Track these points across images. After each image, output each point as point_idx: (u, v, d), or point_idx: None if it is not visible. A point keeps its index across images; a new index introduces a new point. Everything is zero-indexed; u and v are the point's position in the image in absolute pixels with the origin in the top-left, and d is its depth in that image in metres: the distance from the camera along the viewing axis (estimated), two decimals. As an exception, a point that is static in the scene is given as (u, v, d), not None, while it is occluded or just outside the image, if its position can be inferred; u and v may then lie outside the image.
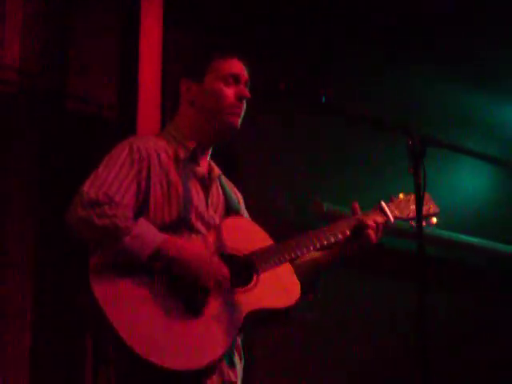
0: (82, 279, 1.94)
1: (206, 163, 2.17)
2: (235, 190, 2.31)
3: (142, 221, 1.92)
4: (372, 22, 3.96)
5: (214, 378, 1.99)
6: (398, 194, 2.37)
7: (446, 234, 4.12)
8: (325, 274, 2.31)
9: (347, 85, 3.74)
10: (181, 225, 2.04)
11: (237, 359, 2.09)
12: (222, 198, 2.20)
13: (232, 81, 2.11)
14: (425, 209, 2.28)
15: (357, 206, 2.27)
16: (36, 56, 2.99)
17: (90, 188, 1.91)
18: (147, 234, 1.91)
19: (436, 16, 4.15)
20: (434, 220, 2.41)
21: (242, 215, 2.25)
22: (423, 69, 4.22)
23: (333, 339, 4.13)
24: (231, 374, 2.04)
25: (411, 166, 1.99)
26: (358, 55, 4.03)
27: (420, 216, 2.00)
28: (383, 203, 2.30)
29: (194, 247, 2.01)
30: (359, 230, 2.19)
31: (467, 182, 4.17)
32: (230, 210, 2.20)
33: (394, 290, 3.76)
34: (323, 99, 2.07)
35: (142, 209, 2.00)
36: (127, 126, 2.85)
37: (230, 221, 2.18)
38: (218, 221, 2.14)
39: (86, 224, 1.87)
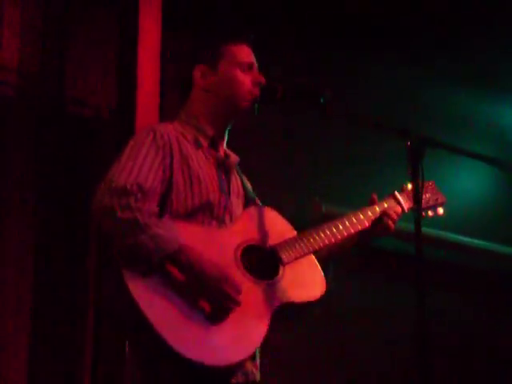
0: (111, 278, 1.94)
1: (223, 150, 2.16)
2: (243, 176, 2.28)
3: (165, 221, 1.89)
4: (371, 22, 3.98)
5: (239, 375, 1.98)
6: (407, 184, 2.33)
7: (445, 234, 4.13)
8: (334, 264, 2.28)
9: (346, 85, 3.75)
10: (203, 212, 2.01)
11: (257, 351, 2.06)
12: (240, 184, 2.18)
13: (247, 67, 2.12)
14: (433, 198, 2.36)
15: (375, 197, 2.25)
16: (35, 58, 2.97)
17: (118, 177, 1.86)
18: (165, 237, 1.86)
19: (436, 16, 4.15)
20: (441, 211, 2.40)
21: (262, 205, 2.21)
22: (423, 69, 4.22)
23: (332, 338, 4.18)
24: (254, 370, 2.03)
25: (409, 167, 1.96)
26: (356, 55, 4.04)
27: (420, 208, 1.94)
28: (397, 193, 2.30)
29: (209, 260, 1.93)
30: (381, 219, 2.20)
31: (466, 183, 4.17)
32: (246, 197, 2.18)
33: (393, 291, 3.79)
34: (322, 100, 2.09)
35: (164, 196, 1.97)
36: (126, 129, 2.80)
37: (254, 210, 2.13)
38: (241, 208, 2.12)
39: (109, 214, 1.84)
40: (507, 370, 4.56)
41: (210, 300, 1.87)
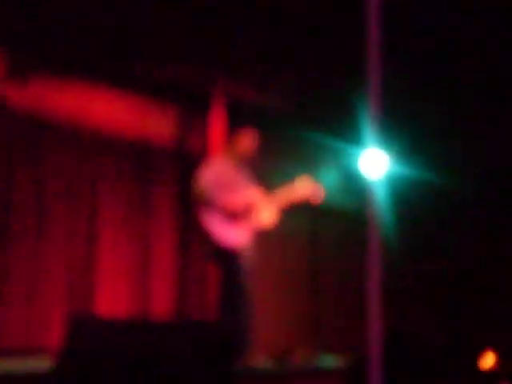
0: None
1: (241, 166, 4.60)
2: (252, 175, 4.68)
3: (216, 192, 4.34)
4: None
5: (245, 248, 4.44)
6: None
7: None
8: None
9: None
10: (233, 190, 4.46)
11: (251, 242, 4.55)
12: (247, 178, 4.60)
13: (252, 140, 4.63)
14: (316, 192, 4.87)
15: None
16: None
17: (199, 180, 4.47)
18: (217, 196, 4.35)
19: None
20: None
21: (256, 186, 4.67)
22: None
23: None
24: (249, 249, 4.46)
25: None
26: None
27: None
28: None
29: (238, 201, 4.41)
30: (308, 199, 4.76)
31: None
32: (251, 183, 4.60)
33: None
34: None
35: (216, 185, 4.44)
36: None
37: (253, 188, 4.66)
38: (246, 187, 4.55)
39: (198, 195, 4.43)
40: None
41: (235, 216, 4.38)
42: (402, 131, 6.97)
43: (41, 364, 3.69)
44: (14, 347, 5.34)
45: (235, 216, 4.37)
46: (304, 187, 4.63)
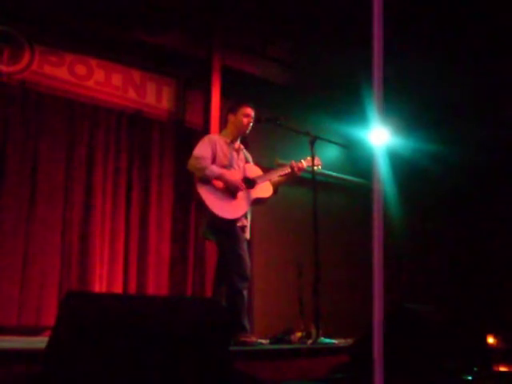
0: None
1: (237, 144, 4.63)
2: (248, 154, 4.75)
3: (213, 166, 4.34)
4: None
5: (241, 221, 4.41)
6: (306, 158, 4.85)
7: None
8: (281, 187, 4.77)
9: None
10: (224, 166, 4.43)
11: (248, 215, 4.52)
12: (243, 157, 4.67)
13: (247, 115, 4.60)
14: (317, 162, 4.89)
15: (293, 161, 4.73)
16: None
17: (196, 152, 4.34)
18: (215, 169, 4.30)
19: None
20: (320, 167, 4.92)
21: (252, 164, 4.71)
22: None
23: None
24: (245, 221, 4.44)
25: (311, 149, 4.81)
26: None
27: (313, 164, 4.76)
28: (302, 160, 4.78)
29: (234, 175, 4.39)
30: (293, 169, 4.69)
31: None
32: (246, 161, 4.69)
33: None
34: (278, 122, 4.82)
35: (212, 160, 4.39)
36: (206, 133, 6.00)
37: (248, 165, 4.65)
38: (242, 165, 4.58)
39: (195, 167, 4.31)
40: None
41: (231, 190, 4.32)
42: (406, 103, 6.85)
43: (36, 341, 3.64)
44: (7, 325, 5.31)
45: (231, 189, 4.40)
46: (300, 161, 4.79)
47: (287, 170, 4.73)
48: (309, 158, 4.81)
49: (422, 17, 6.14)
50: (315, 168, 4.82)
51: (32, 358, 2.59)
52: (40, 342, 2.81)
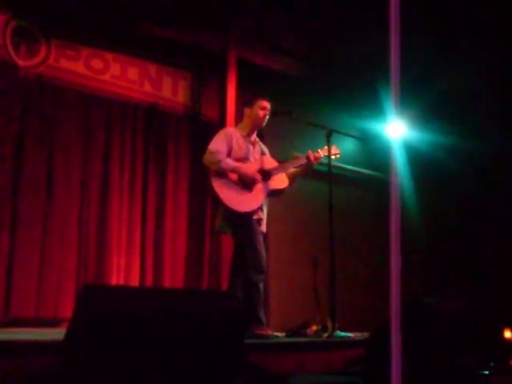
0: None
1: (253, 137, 4.62)
2: (265, 147, 4.74)
3: (228, 159, 4.31)
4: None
5: (257, 214, 4.37)
6: (323, 147, 4.80)
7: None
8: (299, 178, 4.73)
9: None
10: (240, 159, 4.43)
11: (264, 208, 4.49)
12: (259, 149, 4.66)
13: (264, 108, 4.57)
14: (335, 151, 4.88)
15: (309, 151, 4.68)
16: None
17: (212, 147, 4.32)
18: (230, 163, 4.29)
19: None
20: (338, 156, 4.91)
21: (268, 156, 4.67)
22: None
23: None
24: (261, 213, 4.41)
25: (327, 141, 4.80)
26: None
27: (329, 154, 4.75)
28: (318, 150, 4.71)
29: (249, 167, 4.38)
30: (310, 159, 4.63)
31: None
32: (262, 153, 4.67)
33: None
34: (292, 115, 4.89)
35: (228, 154, 4.37)
36: (222, 126, 6.23)
37: (265, 157, 4.63)
38: (258, 158, 4.56)
39: (210, 161, 4.31)
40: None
41: (247, 182, 4.30)
42: (423, 96, 6.80)
43: (54, 333, 3.66)
44: (25, 317, 5.38)
45: (247, 182, 4.37)
46: (317, 151, 4.75)
47: (303, 161, 4.70)
48: (326, 148, 4.79)
49: (440, 9, 6.07)
50: (333, 157, 4.81)
51: (49, 350, 2.62)
52: (58, 333, 2.84)
